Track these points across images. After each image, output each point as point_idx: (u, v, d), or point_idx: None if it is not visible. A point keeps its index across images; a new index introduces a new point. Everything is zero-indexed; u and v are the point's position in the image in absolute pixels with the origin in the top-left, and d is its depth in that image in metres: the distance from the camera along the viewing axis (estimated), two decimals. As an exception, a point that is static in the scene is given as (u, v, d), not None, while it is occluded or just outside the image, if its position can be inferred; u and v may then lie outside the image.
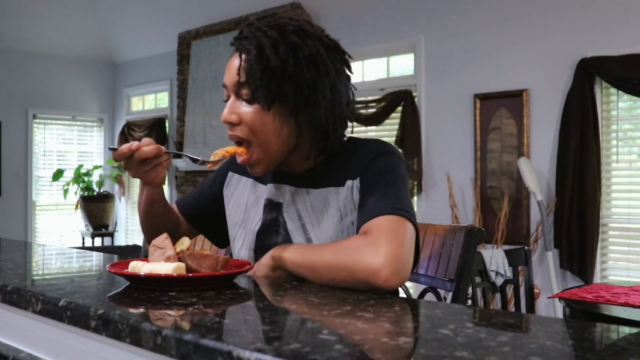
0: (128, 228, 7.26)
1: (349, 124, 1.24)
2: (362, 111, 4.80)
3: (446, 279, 1.41)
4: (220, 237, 1.43)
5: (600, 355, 0.64)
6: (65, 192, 6.46)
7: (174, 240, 1.06)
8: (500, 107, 4.13)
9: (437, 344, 0.66)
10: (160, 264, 0.99)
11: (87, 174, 6.55)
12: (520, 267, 2.56)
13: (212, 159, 1.21)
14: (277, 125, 1.15)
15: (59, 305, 0.87)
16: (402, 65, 4.86)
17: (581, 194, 3.70)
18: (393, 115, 4.66)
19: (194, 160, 1.19)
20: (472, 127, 4.27)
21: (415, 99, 4.56)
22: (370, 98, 4.77)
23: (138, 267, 1.00)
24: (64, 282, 1.11)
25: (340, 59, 1.20)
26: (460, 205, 4.30)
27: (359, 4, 4.88)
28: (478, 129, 4.23)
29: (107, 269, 1.02)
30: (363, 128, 4.83)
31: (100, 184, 6.66)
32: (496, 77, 4.16)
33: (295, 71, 1.12)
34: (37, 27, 6.54)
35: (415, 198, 4.54)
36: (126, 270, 1.00)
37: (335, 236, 1.17)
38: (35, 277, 1.20)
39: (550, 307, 3.74)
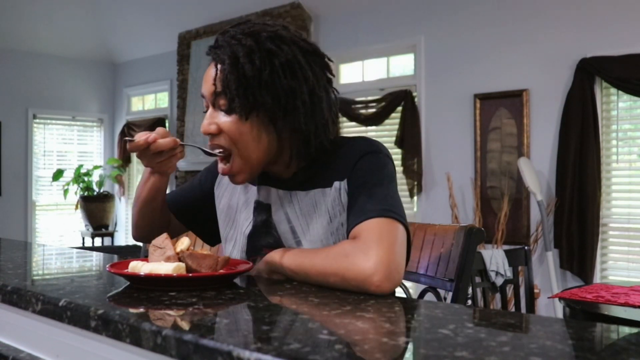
0: (128, 228, 7.26)
1: (338, 130, 1.23)
2: (362, 111, 4.80)
3: (446, 279, 1.41)
4: (209, 235, 1.42)
5: (600, 355, 0.64)
6: (65, 192, 6.46)
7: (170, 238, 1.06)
8: (500, 107, 4.13)
9: (437, 344, 0.66)
10: (160, 264, 0.99)
11: (87, 174, 6.55)
12: (520, 267, 2.56)
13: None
14: (257, 134, 1.13)
15: (59, 305, 0.87)
16: (402, 65, 4.86)
17: (581, 194, 3.70)
18: (393, 115, 4.66)
19: (208, 154, 1.18)
20: (472, 127, 4.27)
21: (415, 99, 4.56)
22: (370, 98, 4.77)
23: (138, 267, 1.00)
24: (64, 282, 1.11)
25: (319, 63, 1.17)
26: (460, 205, 4.30)
27: (359, 4, 4.88)
28: (478, 129, 4.23)
29: (107, 269, 1.02)
30: (363, 128, 4.83)
31: (100, 184, 6.65)
32: (496, 77, 4.16)
33: (272, 79, 1.10)
34: (37, 27, 6.54)
35: (415, 198, 4.54)
36: (126, 270, 1.00)
37: (325, 238, 1.16)
38: (35, 277, 1.20)
39: (550, 307, 3.74)
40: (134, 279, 0.98)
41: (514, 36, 4.08)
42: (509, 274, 2.49)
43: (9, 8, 6.19)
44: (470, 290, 2.18)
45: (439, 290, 1.46)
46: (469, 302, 2.31)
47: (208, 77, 1.16)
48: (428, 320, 0.80)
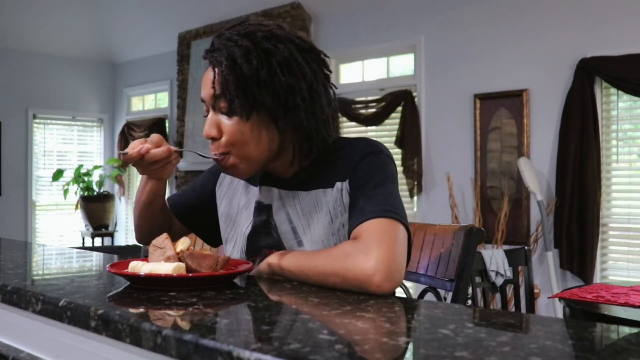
0: (128, 228, 7.26)
1: (337, 128, 1.23)
2: (362, 111, 4.80)
3: (446, 279, 1.41)
4: (211, 236, 1.43)
5: (600, 355, 0.64)
6: (65, 192, 6.46)
7: (173, 240, 1.06)
8: (500, 107, 4.13)
9: (437, 344, 0.66)
10: (160, 264, 0.99)
11: (87, 174, 6.55)
12: (520, 267, 2.56)
13: None
14: (258, 133, 1.13)
15: (59, 305, 0.87)
16: (402, 65, 4.86)
17: (581, 194, 3.70)
18: (393, 115, 4.66)
19: (205, 157, 1.18)
20: (472, 127, 4.27)
21: (415, 99, 4.56)
22: (370, 98, 4.77)
23: (138, 267, 1.00)
24: (64, 282, 1.11)
25: (315, 59, 1.18)
26: (460, 205, 4.30)
27: (359, 4, 4.88)
28: (478, 129, 4.23)
29: (107, 269, 1.02)
30: (363, 128, 4.83)
31: (100, 184, 6.66)
32: (496, 77, 4.16)
33: (270, 78, 1.10)
34: (37, 27, 6.54)
35: (415, 198, 4.54)
36: (126, 270, 1.00)
37: (326, 238, 1.16)
38: (35, 277, 1.20)
39: (550, 307, 3.74)
40: (134, 279, 0.98)
41: (514, 36, 4.08)
42: (509, 274, 2.49)
43: (8, 8, 6.19)
44: (470, 290, 2.18)
45: (439, 290, 1.46)
46: (469, 302, 2.31)
47: (206, 80, 1.16)
48: (428, 320, 0.80)
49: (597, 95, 3.74)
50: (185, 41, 6.22)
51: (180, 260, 1.01)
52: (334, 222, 1.16)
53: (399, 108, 4.60)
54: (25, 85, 6.84)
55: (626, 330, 0.77)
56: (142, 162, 1.16)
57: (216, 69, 1.13)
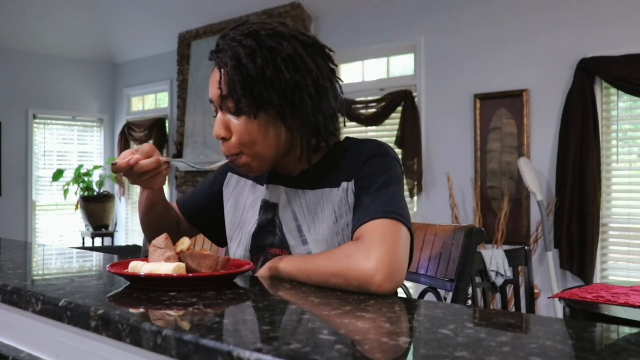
0: (128, 228, 7.26)
1: (344, 121, 1.24)
2: (362, 111, 4.80)
3: (446, 279, 1.41)
4: (220, 236, 1.43)
5: (600, 355, 0.64)
6: (65, 192, 6.46)
7: (174, 240, 1.06)
8: (500, 107, 4.13)
9: (437, 344, 0.66)
10: (160, 264, 0.99)
11: (87, 174, 6.55)
12: (520, 267, 2.56)
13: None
14: (266, 131, 1.14)
15: (59, 305, 0.87)
16: (402, 65, 4.86)
17: (581, 194, 3.70)
18: (393, 115, 4.66)
19: (193, 167, 1.20)
20: (472, 127, 4.27)
21: (415, 99, 4.56)
22: (370, 98, 4.77)
23: (138, 267, 1.00)
24: (64, 282, 1.11)
25: (320, 54, 1.18)
26: (460, 205, 4.30)
27: (359, 4, 4.88)
28: (478, 129, 4.23)
29: (107, 269, 1.02)
30: (363, 128, 4.83)
31: (100, 184, 6.66)
32: (496, 77, 4.16)
33: (276, 75, 1.10)
34: (37, 27, 6.54)
35: (415, 198, 4.54)
36: (126, 270, 1.00)
37: (330, 238, 1.16)
38: (35, 277, 1.20)
39: (550, 307, 3.74)
40: (134, 279, 0.98)
41: (514, 36, 4.08)
42: (509, 274, 2.49)
43: (9, 8, 6.19)
44: (470, 290, 2.18)
45: (439, 290, 1.46)
46: (469, 302, 2.31)
47: (213, 81, 1.17)
48: (428, 320, 0.80)
49: (597, 95, 3.74)
50: (185, 41, 6.22)
51: (180, 260, 1.01)
52: (339, 221, 1.17)
53: (399, 108, 4.60)
54: (25, 85, 6.84)
55: (626, 330, 0.77)
56: (131, 172, 1.14)
57: (222, 70, 1.14)
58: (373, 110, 4.73)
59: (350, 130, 4.90)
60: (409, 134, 4.49)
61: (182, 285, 0.97)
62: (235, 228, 1.33)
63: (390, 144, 1.39)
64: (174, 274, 0.96)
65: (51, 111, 7.07)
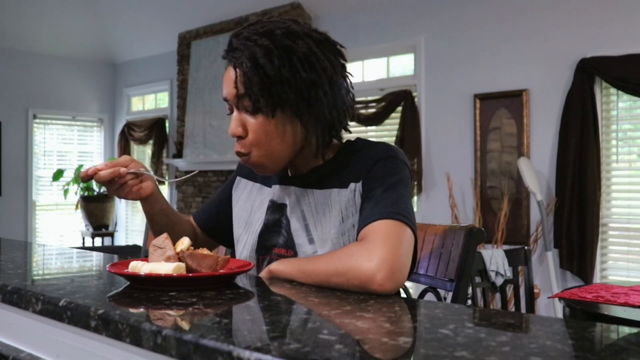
0: (128, 228, 7.26)
1: (354, 116, 1.26)
2: (362, 111, 4.80)
3: (446, 279, 1.41)
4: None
5: (600, 355, 0.64)
6: (66, 192, 6.46)
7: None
8: (500, 107, 4.13)
9: (437, 344, 0.66)
10: (160, 264, 0.99)
11: (87, 174, 6.54)
12: (520, 267, 2.56)
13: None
14: (283, 130, 1.15)
15: (59, 305, 0.87)
16: (402, 65, 4.86)
17: (581, 194, 3.70)
18: (393, 115, 4.66)
19: (160, 182, 1.20)
20: (472, 127, 4.27)
21: (415, 99, 4.56)
22: (370, 98, 4.77)
23: (138, 267, 1.00)
24: (64, 282, 1.11)
25: (332, 51, 1.19)
26: (460, 205, 4.30)
27: (359, 4, 4.88)
28: (478, 129, 4.23)
29: (107, 269, 1.02)
30: (363, 128, 4.83)
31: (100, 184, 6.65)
32: (496, 77, 4.16)
33: (292, 74, 1.11)
34: (37, 27, 6.54)
35: (415, 198, 4.54)
36: (126, 270, 1.00)
37: (335, 238, 1.17)
38: (35, 277, 1.20)
39: (550, 307, 3.74)
40: (134, 279, 0.98)
41: (514, 36, 4.09)
42: (509, 274, 2.49)
43: (9, 8, 6.19)
44: (470, 290, 2.18)
45: (439, 290, 1.46)
46: (469, 302, 2.31)
47: (228, 80, 1.17)
48: (428, 320, 0.80)
49: (597, 96, 3.74)
50: (185, 41, 6.22)
51: (180, 260, 1.01)
52: (345, 222, 1.17)
53: (399, 108, 4.60)
54: (25, 85, 6.84)
55: (626, 330, 0.77)
56: (103, 182, 1.18)
57: (237, 69, 1.14)
58: (373, 110, 4.73)
59: (350, 130, 4.90)
60: (409, 134, 4.49)
61: (182, 285, 0.97)
62: (242, 229, 1.34)
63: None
64: (174, 274, 0.96)
65: (51, 111, 7.07)
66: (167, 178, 1.35)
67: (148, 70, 7.04)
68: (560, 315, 3.25)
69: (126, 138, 7.16)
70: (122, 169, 1.18)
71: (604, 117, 3.79)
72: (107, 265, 1.04)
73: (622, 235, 3.76)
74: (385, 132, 4.78)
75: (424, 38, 4.55)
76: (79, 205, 6.55)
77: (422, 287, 1.50)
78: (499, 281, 2.46)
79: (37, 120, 6.98)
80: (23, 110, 6.85)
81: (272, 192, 1.29)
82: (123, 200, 7.19)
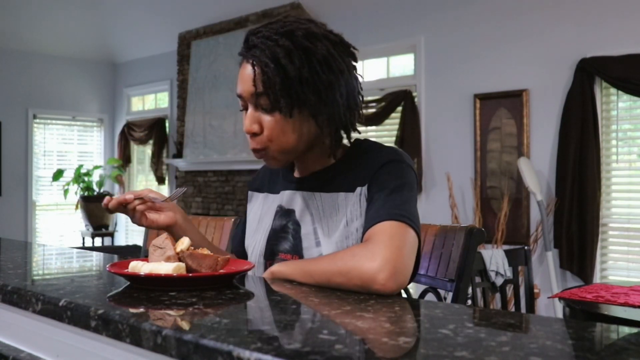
0: (128, 228, 7.26)
1: (362, 117, 1.28)
2: (362, 111, 4.79)
3: (446, 279, 1.41)
4: None
5: (600, 355, 0.64)
6: (66, 192, 6.46)
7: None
8: (500, 107, 4.13)
9: (437, 344, 0.66)
10: (160, 264, 0.99)
11: (87, 174, 6.55)
12: (520, 267, 2.56)
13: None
14: (299, 129, 1.17)
15: (59, 305, 0.87)
16: (402, 65, 4.86)
17: (581, 194, 3.70)
18: (393, 115, 4.66)
19: (155, 200, 1.23)
20: (472, 127, 4.27)
21: (415, 99, 4.56)
22: (370, 98, 4.77)
23: (138, 267, 1.00)
24: (64, 282, 1.11)
25: (347, 53, 1.21)
26: (460, 205, 4.30)
27: (359, 4, 4.88)
28: (478, 129, 4.23)
29: (107, 269, 1.02)
30: (363, 128, 4.83)
31: (100, 184, 6.65)
32: (496, 77, 4.16)
33: (311, 76, 1.13)
34: (37, 27, 6.54)
35: (415, 198, 4.54)
36: (126, 270, 1.00)
37: (340, 240, 1.17)
38: (35, 277, 1.20)
39: (550, 307, 3.74)
40: (134, 279, 0.98)
41: (514, 36, 4.08)
42: (509, 274, 2.49)
43: (9, 8, 6.19)
44: (470, 290, 2.18)
45: (439, 290, 1.46)
46: (469, 302, 2.31)
47: (245, 77, 1.17)
48: (428, 320, 0.80)
49: (597, 95, 3.74)
50: (185, 41, 6.22)
51: (180, 260, 1.01)
52: (350, 225, 1.18)
53: (399, 108, 4.60)
54: (25, 85, 6.84)
55: (626, 330, 0.77)
56: (113, 211, 1.24)
57: (256, 67, 1.14)
58: (373, 110, 4.73)
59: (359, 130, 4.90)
60: (409, 134, 4.49)
61: (182, 285, 0.97)
62: (251, 238, 1.35)
63: (390, 144, 1.41)
64: (174, 274, 0.96)
65: (51, 111, 7.07)
66: (160, 199, 1.39)
67: (148, 70, 7.04)
68: (560, 315, 3.25)
69: (126, 138, 7.16)
70: (129, 195, 1.21)
71: (604, 117, 3.79)
72: (107, 266, 1.04)
73: (622, 235, 3.76)
74: (385, 132, 4.78)
75: (424, 38, 4.55)
76: (79, 205, 6.55)
77: (422, 287, 1.50)
78: (499, 281, 2.46)
79: (37, 120, 6.98)
80: (23, 110, 6.85)
81: (281, 198, 1.30)
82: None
